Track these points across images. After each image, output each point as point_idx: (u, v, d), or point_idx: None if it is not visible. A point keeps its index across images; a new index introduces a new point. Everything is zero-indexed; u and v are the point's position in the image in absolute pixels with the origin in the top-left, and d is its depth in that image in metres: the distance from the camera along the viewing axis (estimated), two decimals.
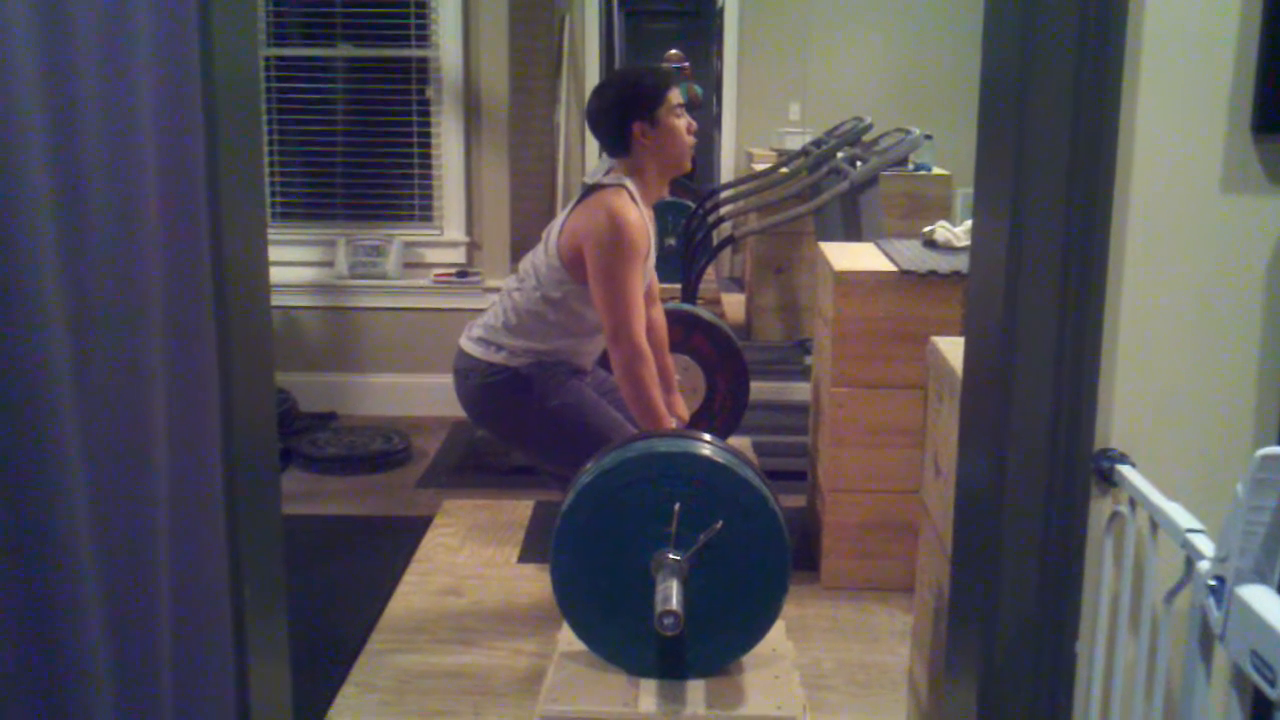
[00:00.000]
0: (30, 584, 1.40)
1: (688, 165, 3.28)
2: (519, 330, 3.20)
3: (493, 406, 3.27)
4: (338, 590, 3.71)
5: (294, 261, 5.54)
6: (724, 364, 4.03)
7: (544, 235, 3.29)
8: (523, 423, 3.25)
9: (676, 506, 2.14)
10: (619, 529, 2.19)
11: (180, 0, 1.56)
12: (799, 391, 5.22)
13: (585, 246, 3.09)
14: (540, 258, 3.23)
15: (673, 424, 3.22)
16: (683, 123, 3.19)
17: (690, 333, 4.01)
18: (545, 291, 3.18)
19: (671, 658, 2.23)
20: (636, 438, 2.36)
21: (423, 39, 5.50)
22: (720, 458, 2.19)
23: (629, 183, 3.15)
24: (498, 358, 3.22)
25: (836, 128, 6.38)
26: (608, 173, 3.23)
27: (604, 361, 3.31)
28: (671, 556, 2.14)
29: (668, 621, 2.04)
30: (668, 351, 3.58)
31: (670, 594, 2.07)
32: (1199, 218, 1.65)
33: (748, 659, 2.27)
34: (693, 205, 6.87)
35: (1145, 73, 1.61)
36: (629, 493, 2.18)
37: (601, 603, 2.23)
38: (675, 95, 3.21)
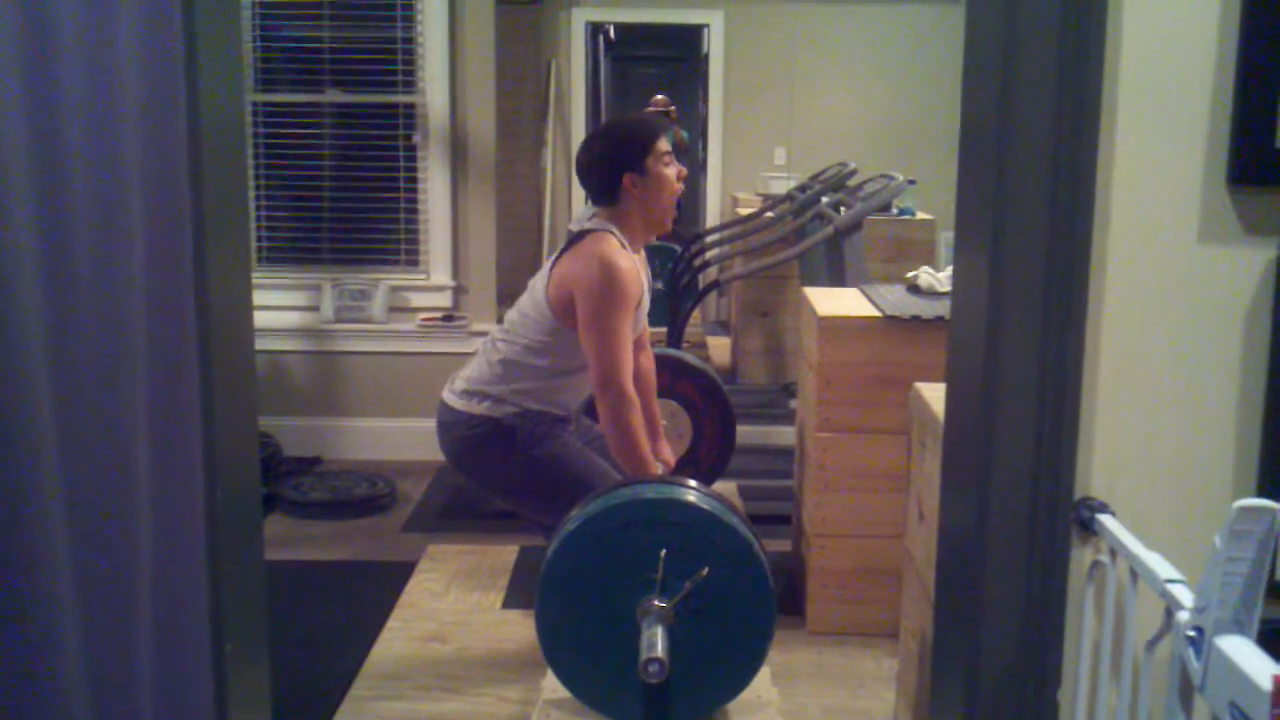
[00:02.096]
0: (5, 635, 1.39)
1: (669, 225, 3.29)
2: (505, 378, 3.20)
3: (476, 458, 3.27)
4: (320, 637, 3.69)
5: (279, 306, 5.54)
6: (710, 409, 4.03)
7: (530, 285, 3.30)
8: (507, 473, 3.25)
9: (662, 553, 2.14)
10: (604, 575, 2.19)
11: (167, 45, 1.57)
12: (784, 435, 5.23)
13: (576, 293, 3.09)
14: (528, 307, 3.23)
15: (659, 470, 3.22)
16: (672, 171, 3.21)
17: (676, 378, 4.02)
18: (533, 338, 3.18)
19: (656, 705, 2.22)
20: (622, 484, 2.36)
21: (409, 85, 5.54)
22: (706, 505, 2.20)
23: (614, 229, 3.16)
24: (480, 409, 3.21)
25: (821, 173, 6.43)
26: (591, 218, 3.24)
27: (589, 410, 3.31)
28: (657, 604, 2.14)
29: (652, 669, 2.03)
30: (655, 398, 3.59)
31: (655, 641, 2.07)
32: (1177, 268, 1.66)
33: (733, 706, 2.27)
34: (678, 249, 6.90)
35: (1122, 124, 1.63)
36: (614, 539, 2.18)
37: (586, 649, 2.23)
38: (664, 143, 3.23)
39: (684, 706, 2.22)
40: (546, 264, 3.29)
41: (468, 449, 3.27)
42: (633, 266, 3.12)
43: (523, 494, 3.31)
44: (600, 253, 3.08)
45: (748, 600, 2.18)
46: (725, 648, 2.20)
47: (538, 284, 3.24)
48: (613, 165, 3.17)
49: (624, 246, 3.14)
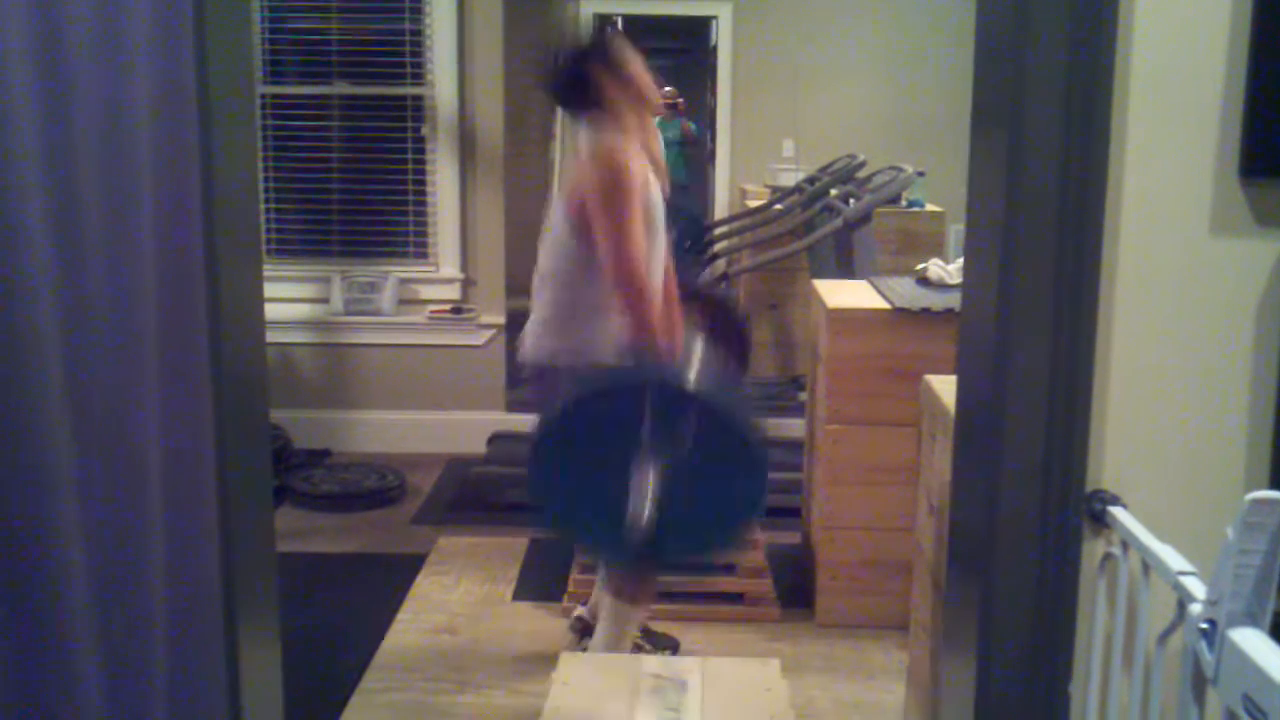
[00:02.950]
0: (20, 628, 1.40)
1: (658, 100, 3.23)
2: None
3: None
4: (331, 628, 3.70)
5: (289, 298, 5.55)
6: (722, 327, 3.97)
7: (544, 236, 3.24)
8: None
9: (650, 416, 2.14)
10: (598, 438, 2.19)
11: (177, 39, 1.57)
12: (793, 428, 5.21)
13: (585, 196, 3.04)
14: (554, 244, 3.17)
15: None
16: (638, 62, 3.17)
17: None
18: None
19: (646, 553, 2.24)
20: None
21: (418, 77, 5.54)
22: (699, 373, 2.21)
23: (614, 132, 3.10)
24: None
25: (830, 165, 6.41)
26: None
27: None
28: (648, 465, 2.15)
29: (638, 537, 2.06)
30: (677, 303, 3.49)
31: (643, 504, 2.09)
32: (1188, 260, 1.66)
33: (744, 696, 2.27)
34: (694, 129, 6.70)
35: (1134, 118, 1.63)
36: (609, 403, 2.19)
37: (578, 506, 2.24)
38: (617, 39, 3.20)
39: (674, 554, 2.25)
40: (557, 197, 3.24)
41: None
42: (644, 168, 3.07)
43: None
44: (604, 151, 3.04)
45: (738, 461, 2.19)
46: (717, 504, 2.21)
47: (556, 214, 3.19)
48: (578, 63, 3.14)
49: (629, 150, 3.07)
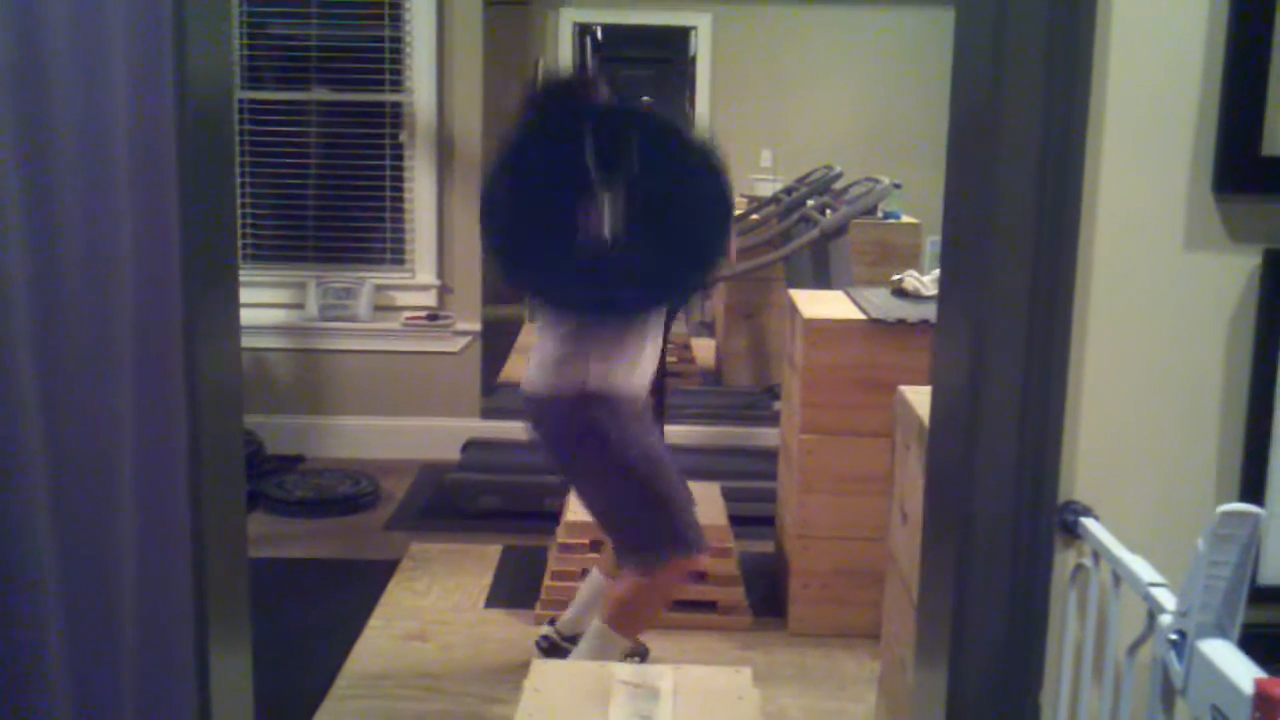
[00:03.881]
0: None
1: None
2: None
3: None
4: (302, 635, 3.68)
5: (264, 303, 5.53)
6: None
7: None
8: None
9: (591, 136, 2.12)
10: (546, 182, 2.18)
11: (155, 42, 1.57)
12: (768, 437, 5.23)
13: None
14: None
15: None
16: None
17: None
18: None
19: (604, 291, 2.21)
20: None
21: (396, 84, 5.53)
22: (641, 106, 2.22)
23: None
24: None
25: (807, 176, 6.44)
26: None
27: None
28: (599, 188, 2.13)
29: (592, 244, 2.04)
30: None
31: (601, 218, 2.08)
32: (1162, 275, 1.67)
33: (716, 704, 2.27)
34: None
35: (1109, 133, 1.64)
36: (548, 143, 2.18)
37: (537, 251, 2.21)
38: None
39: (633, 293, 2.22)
40: None
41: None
42: None
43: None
44: None
45: (697, 189, 2.18)
46: (678, 237, 2.18)
47: None
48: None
49: None
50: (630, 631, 3.14)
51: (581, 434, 2.95)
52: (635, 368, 2.98)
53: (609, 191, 2.09)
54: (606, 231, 2.03)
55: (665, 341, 5.67)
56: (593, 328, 2.87)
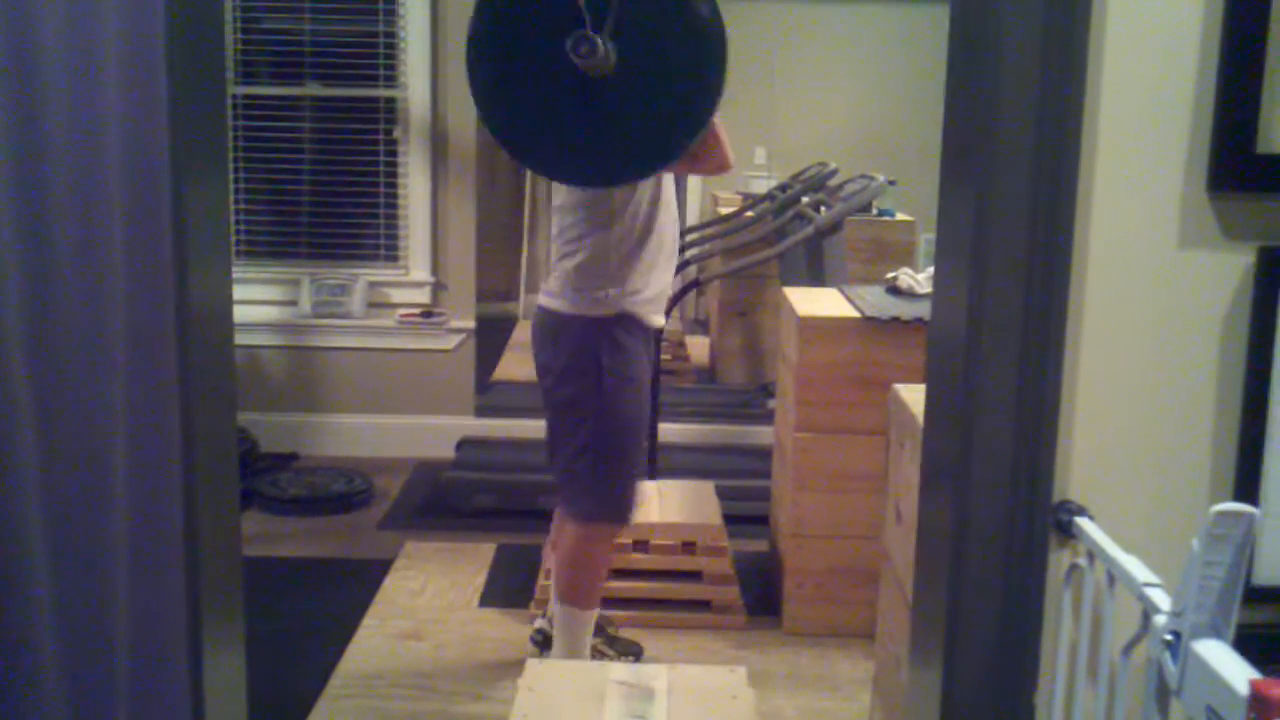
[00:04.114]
0: None
1: None
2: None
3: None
4: (296, 634, 3.68)
5: (257, 300, 5.52)
6: None
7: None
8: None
9: None
10: (532, 31, 2.14)
11: (147, 38, 1.56)
12: (762, 435, 5.23)
13: None
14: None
15: None
16: None
17: None
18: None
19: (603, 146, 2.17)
20: None
21: (390, 79, 5.52)
22: None
23: None
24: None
25: (801, 173, 6.43)
26: None
27: None
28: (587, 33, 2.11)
29: (583, 49, 2.01)
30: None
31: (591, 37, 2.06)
32: (1156, 273, 1.67)
33: (710, 703, 2.27)
34: None
35: (1104, 130, 1.64)
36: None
37: (529, 97, 2.17)
38: None
39: (631, 140, 2.20)
40: None
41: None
42: None
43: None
44: None
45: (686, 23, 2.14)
46: (666, 80, 2.15)
47: None
48: None
49: None
50: (585, 602, 3.19)
51: (591, 355, 3.00)
52: (652, 292, 3.04)
53: (598, 21, 2.07)
54: (600, 46, 1.98)
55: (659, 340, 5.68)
56: (596, 232, 2.93)
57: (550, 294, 3.06)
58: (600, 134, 2.19)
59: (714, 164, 3.02)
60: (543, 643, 3.44)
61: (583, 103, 2.15)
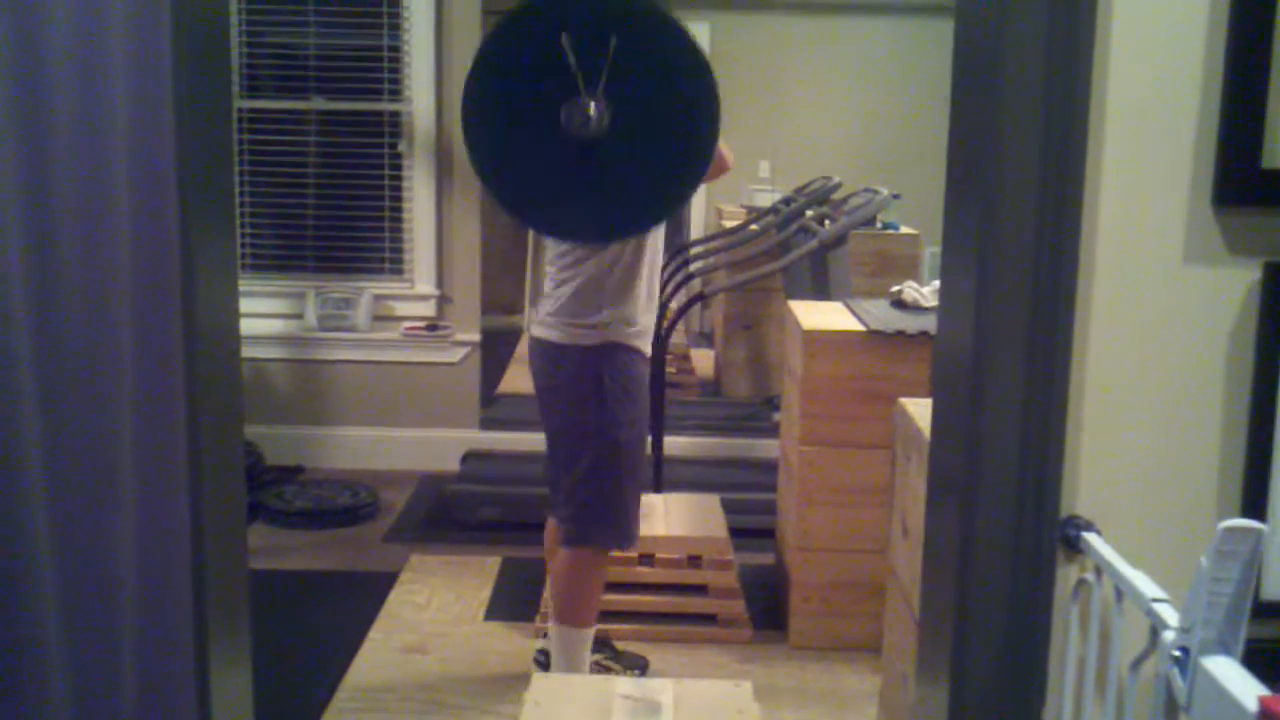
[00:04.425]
0: None
1: None
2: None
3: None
4: (302, 647, 3.67)
5: (263, 313, 5.53)
6: None
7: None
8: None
9: (565, 38, 2.10)
10: (525, 88, 2.15)
11: (154, 51, 1.57)
12: (768, 448, 5.23)
13: None
14: None
15: None
16: None
17: None
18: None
19: (594, 206, 2.18)
20: None
21: (395, 93, 5.53)
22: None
23: None
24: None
25: (806, 186, 6.44)
26: None
27: None
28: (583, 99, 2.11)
29: (576, 121, 2.02)
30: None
31: (585, 103, 2.07)
32: (1162, 288, 1.67)
33: (716, 718, 2.27)
34: None
35: (1109, 144, 1.64)
36: (525, 43, 2.17)
37: (523, 157, 2.18)
38: None
39: (625, 199, 2.21)
40: None
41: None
42: None
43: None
44: None
45: (680, 81, 2.15)
46: (662, 136, 2.16)
47: None
48: None
49: None
50: (581, 621, 3.18)
51: (591, 383, 3.01)
52: (647, 320, 3.08)
53: (591, 85, 2.08)
54: (593, 113, 2.00)
55: (664, 353, 5.68)
56: (592, 257, 2.95)
57: (547, 324, 3.07)
58: (599, 193, 2.21)
59: (715, 169, 3.02)
60: (546, 664, 3.43)
61: (580, 163, 2.17)
